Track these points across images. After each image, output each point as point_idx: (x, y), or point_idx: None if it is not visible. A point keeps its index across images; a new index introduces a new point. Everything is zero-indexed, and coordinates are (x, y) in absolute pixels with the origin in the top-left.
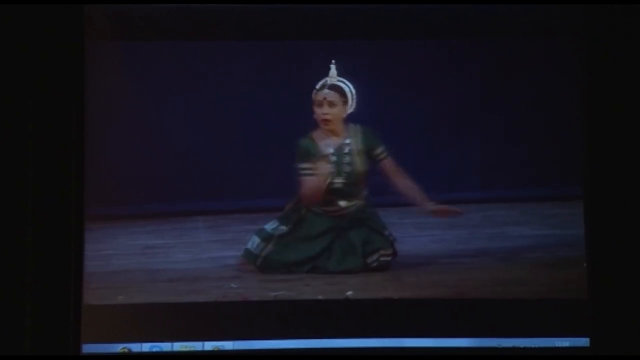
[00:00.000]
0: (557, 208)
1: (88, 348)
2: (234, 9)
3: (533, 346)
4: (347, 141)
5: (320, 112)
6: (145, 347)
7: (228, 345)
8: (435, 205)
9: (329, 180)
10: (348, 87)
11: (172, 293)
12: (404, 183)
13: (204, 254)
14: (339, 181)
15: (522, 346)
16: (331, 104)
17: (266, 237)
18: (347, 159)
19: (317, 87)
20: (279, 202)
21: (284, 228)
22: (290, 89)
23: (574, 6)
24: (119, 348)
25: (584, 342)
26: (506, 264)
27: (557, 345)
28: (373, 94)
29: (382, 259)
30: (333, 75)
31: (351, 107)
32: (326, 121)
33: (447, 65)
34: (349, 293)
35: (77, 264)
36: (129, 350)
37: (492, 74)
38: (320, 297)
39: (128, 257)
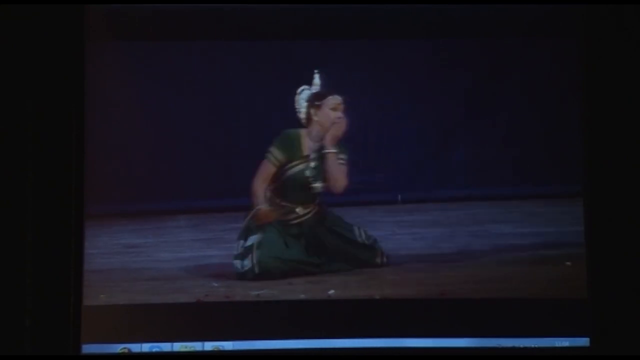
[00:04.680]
0: (559, 205)
1: (88, 348)
2: (234, 9)
3: (533, 346)
4: (332, 150)
5: (336, 115)
6: (145, 347)
7: (228, 345)
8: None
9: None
10: None
11: (153, 292)
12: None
13: (186, 252)
14: (317, 185)
15: (522, 346)
16: (343, 109)
17: (246, 252)
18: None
19: (313, 93)
20: None
21: (254, 237)
22: (287, 89)
23: (574, 6)
24: (119, 348)
25: (584, 342)
26: (489, 262)
27: (557, 345)
28: (373, 93)
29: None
30: (316, 84)
31: None
32: (342, 129)
33: (447, 65)
34: (331, 292)
35: (77, 264)
36: (129, 350)
37: (492, 74)
38: (302, 296)
39: (110, 256)
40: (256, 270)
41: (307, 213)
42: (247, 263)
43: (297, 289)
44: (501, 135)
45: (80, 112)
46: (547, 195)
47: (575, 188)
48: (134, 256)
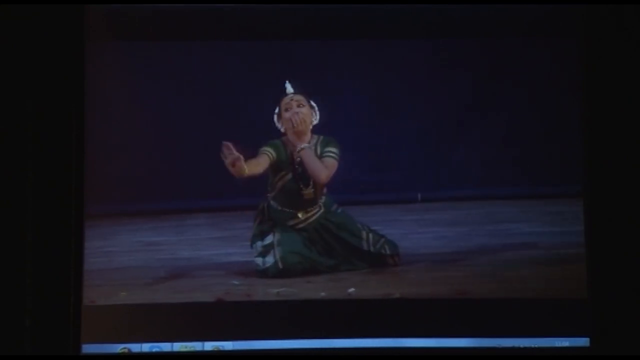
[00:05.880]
0: (559, 205)
1: (88, 348)
2: (234, 9)
3: (533, 346)
4: (303, 145)
5: (289, 114)
6: (145, 347)
7: (228, 345)
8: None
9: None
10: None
11: (174, 290)
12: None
13: (206, 251)
14: (308, 191)
15: (522, 346)
16: (300, 104)
17: (267, 249)
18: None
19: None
20: None
21: (271, 236)
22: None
23: (574, 6)
24: (119, 348)
25: (584, 342)
26: (507, 262)
27: (557, 345)
28: (376, 92)
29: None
30: (289, 92)
31: (315, 117)
32: (297, 122)
33: (449, 64)
34: (351, 290)
35: (77, 264)
36: (129, 350)
37: (494, 74)
38: (322, 294)
39: (131, 254)
40: (280, 265)
41: (310, 217)
42: (270, 259)
43: (317, 287)
44: (501, 135)
45: (80, 112)
46: (547, 195)
47: (575, 188)
48: (155, 254)
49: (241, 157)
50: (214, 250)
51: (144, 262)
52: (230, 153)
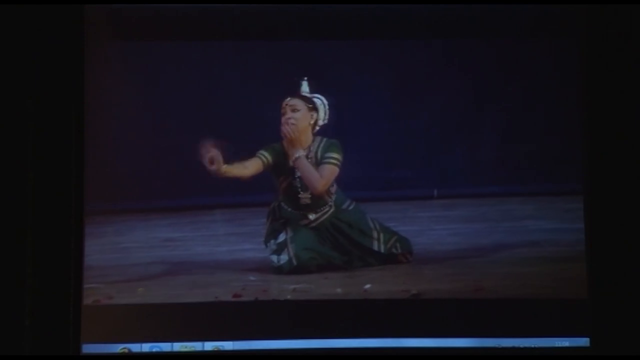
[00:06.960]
0: (558, 204)
1: (88, 348)
2: (233, 9)
3: (533, 346)
4: (298, 154)
5: (282, 120)
6: (145, 347)
7: (228, 345)
8: None
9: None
10: (319, 99)
11: (192, 286)
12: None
13: (222, 247)
14: (305, 196)
15: (522, 346)
16: (294, 109)
17: (280, 247)
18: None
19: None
20: None
21: (284, 234)
22: (289, 89)
23: (574, 6)
24: (119, 348)
25: (584, 342)
26: (509, 260)
27: (557, 345)
28: (381, 92)
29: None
30: (305, 92)
31: (323, 118)
32: (286, 131)
33: (451, 64)
34: (368, 286)
35: (77, 264)
36: (129, 350)
37: (494, 73)
38: (339, 290)
39: (147, 250)
40: (294, 262)
41: (321, 217)
42: (284, 257)
43: (334, 284)
44: (506, 133)
45: (80, 112)
46: (547, 194)
47: (576, 187)
48: (171, 250)
49: (219, 154)
50: (230, 247)
51: (160, 258)
52: (208, 151)
